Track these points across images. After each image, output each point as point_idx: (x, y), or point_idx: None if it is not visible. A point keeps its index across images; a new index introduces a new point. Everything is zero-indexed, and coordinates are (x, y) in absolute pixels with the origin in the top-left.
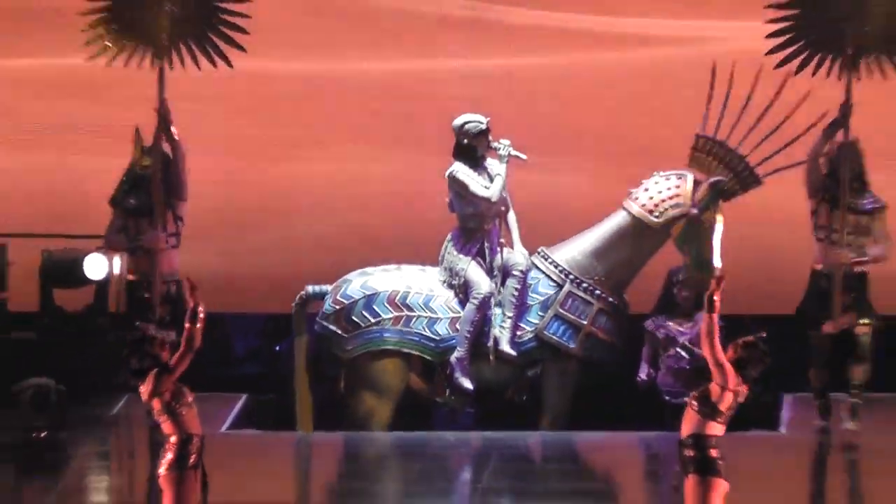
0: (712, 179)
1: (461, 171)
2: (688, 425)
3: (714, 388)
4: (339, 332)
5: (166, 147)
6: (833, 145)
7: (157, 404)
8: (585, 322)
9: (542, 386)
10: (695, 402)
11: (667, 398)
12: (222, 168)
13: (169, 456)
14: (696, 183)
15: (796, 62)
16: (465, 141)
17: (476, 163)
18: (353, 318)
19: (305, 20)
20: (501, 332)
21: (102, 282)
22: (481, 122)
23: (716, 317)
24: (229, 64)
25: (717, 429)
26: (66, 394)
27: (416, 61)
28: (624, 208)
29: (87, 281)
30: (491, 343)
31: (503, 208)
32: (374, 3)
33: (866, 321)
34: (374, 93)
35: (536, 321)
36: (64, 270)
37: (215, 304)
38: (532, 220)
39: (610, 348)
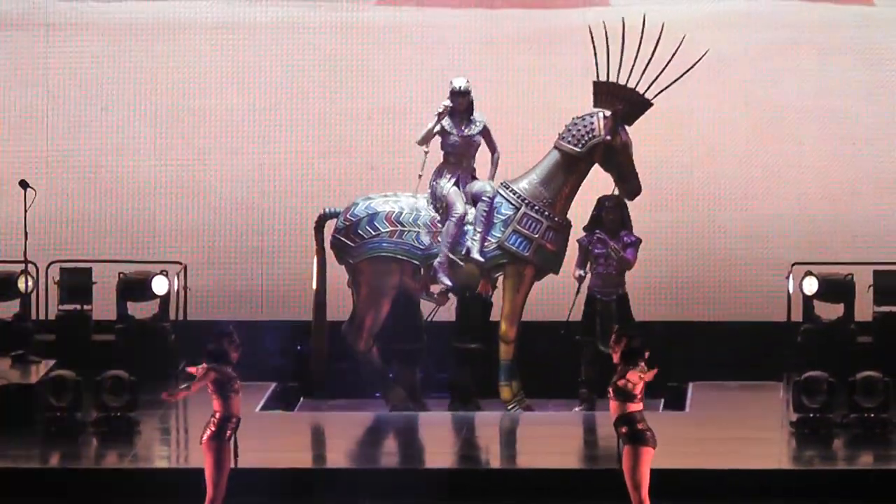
0: (613, 110)
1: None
2: (614, 411)
3: (622, 382)
4: (348, 242)
5: None
6: None
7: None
8: (537, 236)
9: (503, 285)
10: (612, 395)
11: (598, 296)
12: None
13: (211, 429)
14: (605, 116)
15: None
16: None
17: (457, 114)
18: (359, 231)
19: None
20: (472, 244)
21: (165, 297)
22: (452, 84)
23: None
24: None
25: (635, 407)
26: (137, 382)
27: None
28: (556, 147)
29: (153, 296)
30: (465, 252)
31: (473, 152)
32: None
33: None
34: None
35: (499, 235)
36: (136, 288)
37: (252, 312)
38: None
39: (554, 256)
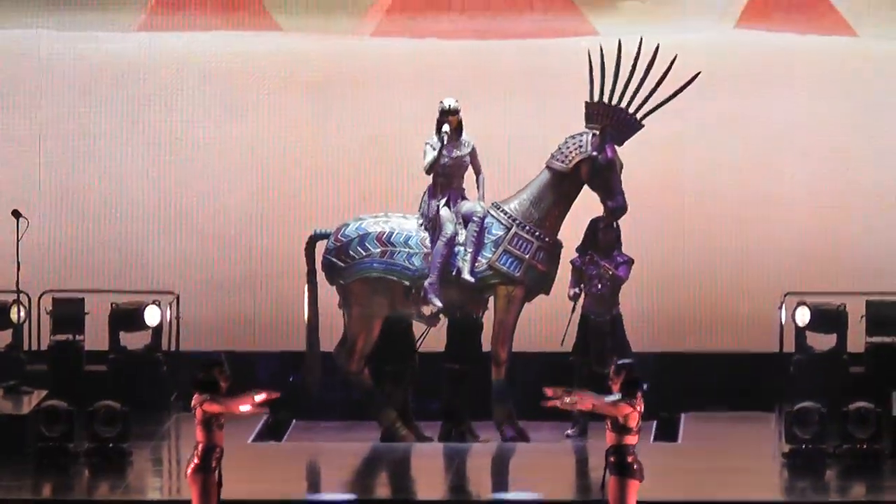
0: (602, 127)
1: (429, 142)
2: (609, 440)
3: (618, 417)
4: (339, 263)
5: None
6: None
7: (198, 413)
8: (528, 256)
9: (494, 306)
10: (610, 426)
11: (591, 317)
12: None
13: (196, 461)
14: (594, 135)
15: None
16: (438, 117)
17: (450, 135)
18: (350, 252)
19: None
20: (463, 264)
21: (158, 327)
22: (442, 104)
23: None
24: None
25: (631, 439)
26: (129, 413)
27: None
28: (547, 167)
29: (145, 326)
30: (455, 272)
31: (462, 173)
32: None
33: None
34: None
35: (490, 255)
36: (128, 318)
37: (245, 343)
38: None
39: (545, 277)
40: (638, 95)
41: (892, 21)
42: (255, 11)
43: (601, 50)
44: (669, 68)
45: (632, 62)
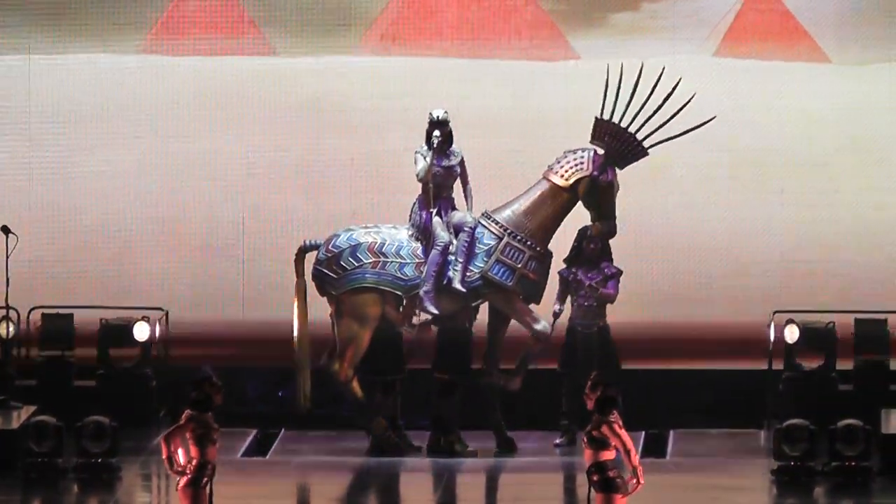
0: (606, 149)
1: (419, 152)
2: (588, 458)
3: (597, 433)
4: (331, 274)
5: None
6: None
7: (189, 431)
8: (520, 266)
9: (494, 312)
10: (586, 443)
11: (579, 328)
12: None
13: (188, 476)
14: (596, 154)
15: None
16: (428, 128)
17: (438, 146)
18: (342, 262)
19: None
20: (454, 274)
21: (146, 343)
22: (432, 115)
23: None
24: None
25: (610, 454)
26: (118, 428)
27: None
28: (544, 178)
29: (134, 342)
30: (446, 282)
31: (452, 183)
32: None
33: None
34: None
35: (482, 265)
36: (117, 334)
37: (235, 358)
38: None
39: (536, 286)
40: (648, 124)
41: (864, 45)
42: (252, 35)
43: (621, 69)
44: (687, 103)
45: (635, 87)
